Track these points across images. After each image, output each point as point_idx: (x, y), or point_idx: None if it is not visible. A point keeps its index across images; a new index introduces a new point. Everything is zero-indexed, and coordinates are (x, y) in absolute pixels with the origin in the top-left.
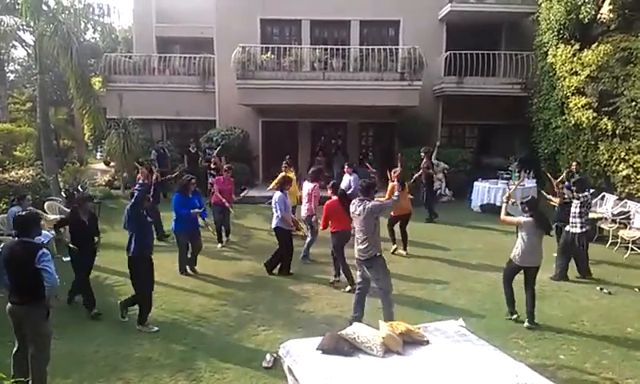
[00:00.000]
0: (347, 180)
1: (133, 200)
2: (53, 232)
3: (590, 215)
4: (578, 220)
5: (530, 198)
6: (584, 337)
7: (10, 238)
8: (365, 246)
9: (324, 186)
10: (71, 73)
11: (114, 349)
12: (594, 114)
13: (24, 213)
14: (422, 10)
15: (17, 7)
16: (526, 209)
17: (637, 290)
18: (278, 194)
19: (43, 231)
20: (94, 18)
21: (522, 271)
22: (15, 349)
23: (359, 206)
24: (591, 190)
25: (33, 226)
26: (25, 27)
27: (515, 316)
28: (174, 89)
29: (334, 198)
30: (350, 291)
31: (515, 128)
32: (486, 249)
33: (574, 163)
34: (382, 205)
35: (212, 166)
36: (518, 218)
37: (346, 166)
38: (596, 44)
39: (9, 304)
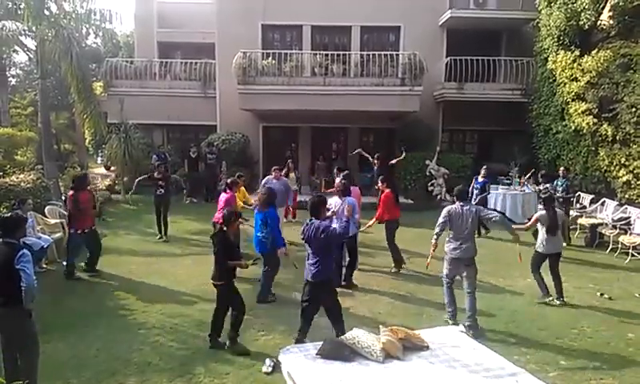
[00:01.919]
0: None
1: (342, 231)
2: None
3: (591, 221)
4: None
5: (547, 194)
6: (585, 342)
7: None
8: (468, 244)
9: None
10: (72, 77)
11: (113, 353)
12: (594, 120)
13: (9, 214)
14: (423, 15)
15: (19, 12)
16: (543, 204)
17: (637, 295)
18: (348, 199)
19: (43, 235)
20: (96, 23)
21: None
22: (2, 354)
23: (470, 211)
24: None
25: (18, 227)
26: (26, 32)
27: (549, 298)
28: (175, 94)
29: (388, 190)
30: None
31: (515, 134)
32: (487, 254)
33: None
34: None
35: (156, 175)
36: (535, 214)
37: (274, 172)
38: (596, 50)
39: None
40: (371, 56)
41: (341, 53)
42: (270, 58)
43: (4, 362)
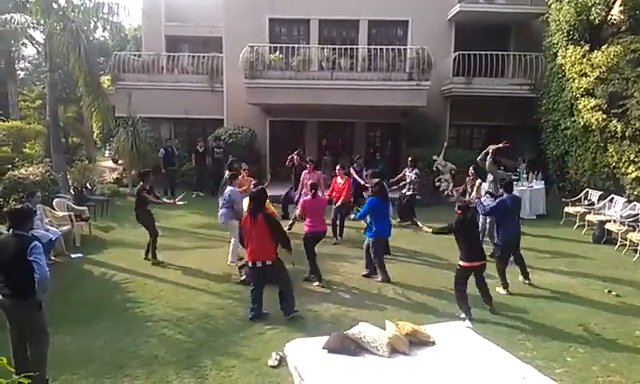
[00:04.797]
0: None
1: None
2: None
3: (599, 217)
4: None
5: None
6: (592, 339)
7: None
8: None
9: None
10: (80, 71)
11: (120, 346)
12: (604, 116)
13: (18, 206)
14: (431, 10)
15: (27, 5)
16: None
17: None
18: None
19: (51, 228)
20: (104, 16)
21: None
22: (12, 345)
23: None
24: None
25: (27, 219)
26: (35, 25)
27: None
28: (182, 88)
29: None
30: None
31: (524, 129)
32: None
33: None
34: None
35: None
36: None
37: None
38: (606, 45)
39: (0, 297)
40: (379, 50)
41: (348, 47)
42: (278, 52)
43: (14, 353)
